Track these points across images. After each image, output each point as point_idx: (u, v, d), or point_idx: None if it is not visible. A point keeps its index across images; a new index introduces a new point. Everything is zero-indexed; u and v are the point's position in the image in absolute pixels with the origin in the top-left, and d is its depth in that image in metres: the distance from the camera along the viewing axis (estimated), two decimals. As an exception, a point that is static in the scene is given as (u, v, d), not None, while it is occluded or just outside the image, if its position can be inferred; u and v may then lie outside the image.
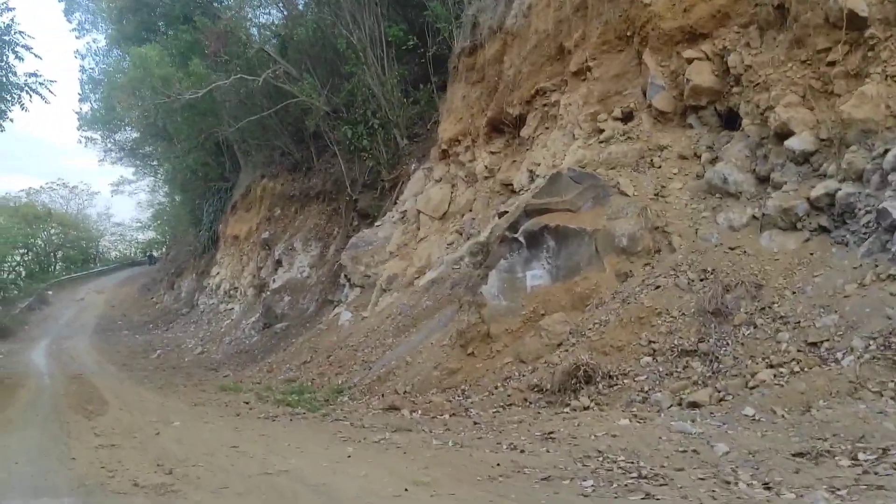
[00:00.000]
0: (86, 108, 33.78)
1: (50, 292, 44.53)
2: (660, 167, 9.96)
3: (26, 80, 15.62)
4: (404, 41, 20.49)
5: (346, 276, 18.86)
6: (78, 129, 34.61)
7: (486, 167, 14.45)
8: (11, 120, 16.23)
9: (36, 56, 15.52)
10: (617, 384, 7.17)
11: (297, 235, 24.17)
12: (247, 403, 10.50)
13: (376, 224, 19.17)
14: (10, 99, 15.59)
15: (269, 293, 23.22)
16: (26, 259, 50.10)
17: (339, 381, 11.58)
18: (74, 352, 26.12)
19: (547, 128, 12.99)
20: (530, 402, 7.63)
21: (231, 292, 28.88)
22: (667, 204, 9.41)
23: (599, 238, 9.25)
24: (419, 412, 8.19)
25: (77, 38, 41.19)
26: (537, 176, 12.15)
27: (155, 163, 49.48)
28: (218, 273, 31.11)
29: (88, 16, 30.50)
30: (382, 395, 9.51)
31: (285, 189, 26.73)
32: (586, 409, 6.98)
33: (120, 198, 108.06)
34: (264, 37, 24.28)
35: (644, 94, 10.96)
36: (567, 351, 8.17)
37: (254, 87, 24.10)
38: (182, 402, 11.56)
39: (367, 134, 20.90)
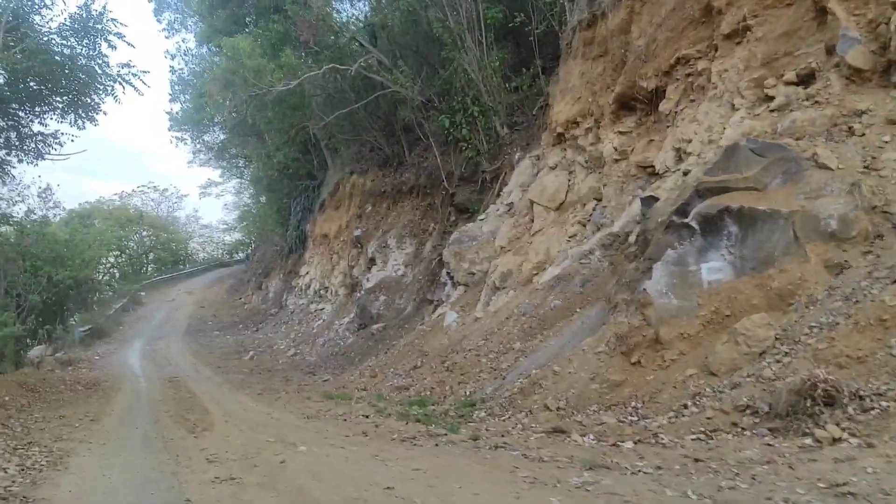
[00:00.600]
0: (176, 107, 33.69)
1: (143, 293, 44.90)
2: (863, 135, 8.02)
3: (119, 71, 14.75)
4: (505, 22, 18.92)
5: (448, 273, 17.40)
6: (169, 130, 34.48)
7: (616, 149, 12.68)
8: (105, 113, 15.40)
9: (129, 44, 14.65)
10: (873, 407, 5.36)
11: (391, 232, 22.88)
12: (366, 417, 9.11)
13: (479, 218, 17.63)
14: (103, 90, 14.76)
15: (362, 293, 22.03)
16: (120, 261, 50.87)
17: (465, 392, 10.07)
18: (168, 353, 25.59)
19: (693, 100, 11.15)
20: (744, 429, 5.89)
21: (321, 292, 27.92)
22: (881, 178, 7.49)
23: (798, 221, 7.41)
24: (591, 436, 6.57)
25: (166, 37, 41.23)
26: (688, 154, 10.34)
27: (241, 164, 49.56)
28: (307, 273, 30.23)
29: (178, 15, 30.28)
30: (531, 412, 7.93)
31: (376, 185, 25.52)
32: (837, 441, 5.21)
33: (207, 200, 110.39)
34: (354, 26, 23.10)
35: (827, 51, 9.01)
36: (780, 362, 6.39)
37: (343, 81, 23.03)
38: (290, 414, 10.28)
39: (467, 123, 19.39)
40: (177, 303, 43.85)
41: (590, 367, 8.04)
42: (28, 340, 28.27)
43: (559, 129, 15.09)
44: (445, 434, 7.20)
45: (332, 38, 21.05)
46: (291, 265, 37.29)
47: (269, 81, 19.39)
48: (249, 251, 59.77)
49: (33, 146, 16.26)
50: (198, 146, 36.78)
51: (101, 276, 46.94)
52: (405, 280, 21.47)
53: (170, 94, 33.22)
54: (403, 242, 22.21)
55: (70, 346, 28.04)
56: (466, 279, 16.77)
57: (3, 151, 16.23)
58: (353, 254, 25.21)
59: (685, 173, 9.99)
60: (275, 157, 25.20)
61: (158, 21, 32.61)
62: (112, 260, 49.41)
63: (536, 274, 13.37)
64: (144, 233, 53.37)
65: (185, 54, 32.07)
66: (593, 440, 6.46)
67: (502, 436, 7.00)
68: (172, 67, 32.64)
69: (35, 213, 29.49)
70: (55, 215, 29.90)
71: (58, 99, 15.12)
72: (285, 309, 32.84)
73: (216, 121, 29.65)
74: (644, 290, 8.06)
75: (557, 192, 14.60)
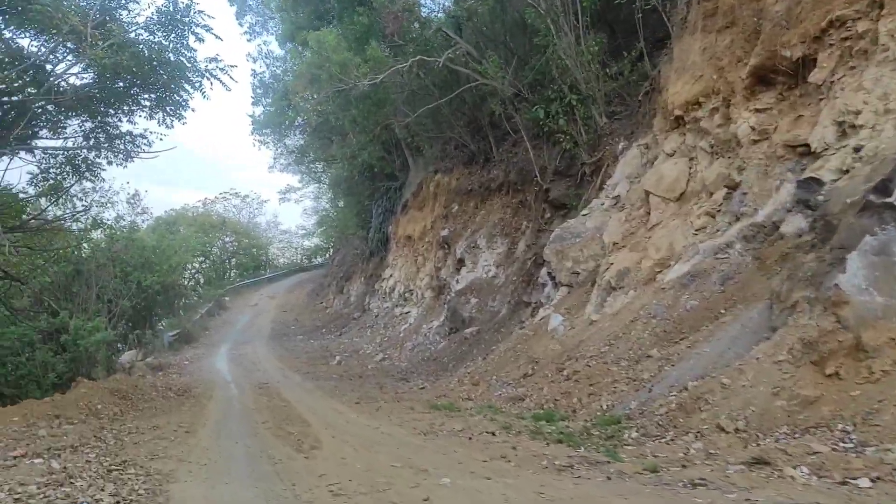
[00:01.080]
0: (258, 111, 33.46)
1: (227, 298, 45.16)
2: None
3: (206, 66, 14.04)
4: (603, 4, 17.51)
5: (549, 273, 16.07)
6: (251, 133, 34.41)
7: (754, 129, 11.10)
8: (193, 109, 14.75)
9: (216, 37, 13.95)
10: None
11: (480, 232, 21.69)
12: (492, 435, 7.88)
13: (582, 213, 16.23)
14: (191, 85, 14.07)
15: (453, 295, 20.91)
16: (204, 266, 51.48)
17: (601, 406, 8.73)
18: (255, 357, 25.09)
19: (853, 67, 9.51)
20: None
21: (406, 295, 26.97)
22: None
23: None
24: (805, 469, 5.16)
25: (248, 41, 41.05)
26: (857, 127, 8.73)
27: (320, 168, 49.42)
28: (391, 275, 29.36)
29: (259, 18, 29.98)
30: (701, 433, 6.55)
31: (461, 183, 24.39)
32: None
33: (287, 206, 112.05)
34: (439, 18, 22.06)
35: None
36: None
37: (427, 77, 22.03)
38: (399, 428, 9.16)
39: (564, 113, 18.03)
40: (259, 307, 43.90)
41: (770, 380, 6.60)
42: (119, 345, 28.38)
43: (676, 113, 13.56)
44: (608, 462, 5.91)
45: (418, 29, 20.04)
46: (373, 268, 36.61)
47: (354, 76, 18.50)
48: (328, 256, 59.92)
49: (122, 147, 15.76)
50: (279, 150, 36.58)
51: (186, 282, 47.63)
52: (497, 281, 20.24)
53: (252, 98, 33.10)
54: (494, 242, 20.99)
55: (159, 351, 27.97)
56: (570, 279, 15.41)
57: (93, 153, 15.78)
58: (440, 255, 24.14)
59: (856, 149, 8.42)
60: (359, 157, 24.38)
61: (240, 24, 32.55)
62: (197, 265, 50.02)
63: (660, 272, 11.90)
64: (227, 238, 53.93)
65: (266, 57, 31.88)
66: (809, 475, 5.05)
67: (684, 466, 5.65)
68: (254, 71, 32.42)
69: (124, 219, 29.54)
70: (143, 221, 29.96)
71: (146, 96, 14.55)
72: (368, 313, 32.11)
73: (298, 123, 29.17)
74: (835, 285, 6.58)
75: (677, 182, 13.08)
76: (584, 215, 16.02)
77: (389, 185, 31.89)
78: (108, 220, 29.25)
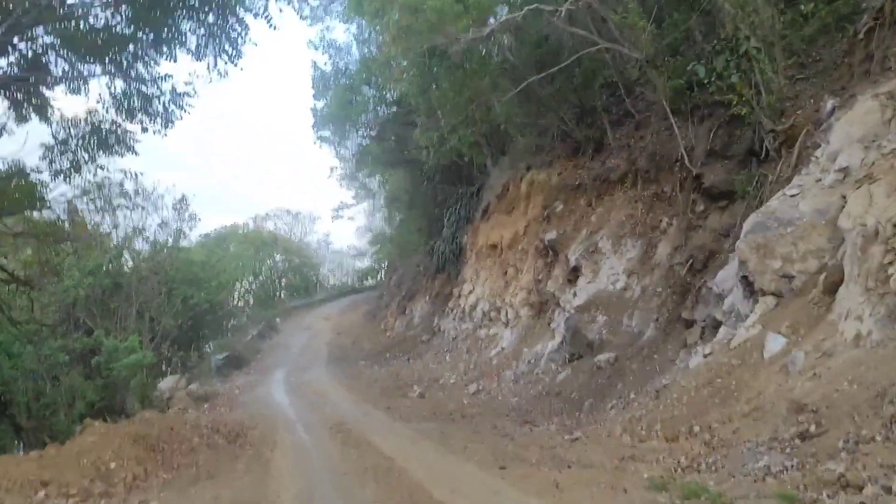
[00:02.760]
0: (320, 104, 29.32)
1: (278, 319, 40.99)
2: None
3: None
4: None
5: (745, 277, 11.16)
6: (312, 128, 30.12)
7: None
8: (255, 43, 10.33)
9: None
10: None
11: (600, 234, 16.93)
12: None
13: (789, 193, 11.35)
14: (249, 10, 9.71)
15: (571, 312, 16.10)
16: (254, 286, 47.52)
17: None
18: (318, 386, 20.57)
19: None
20: None
21: (491, 314, 22.22)
22: None
23: None
24: None
25: (309, 24, 36.58)
26: None
27: (376, 183, 45.32)
28: (469, 292, 24.66)
29: (321, 1, 26.05)
30: None
31: (565, 178, 19.70)
32: None
33: (339, 224, 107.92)
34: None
35: None
36: None
37: (522, 51, 17.57)
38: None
39: (737, 66, 13.26)
40: (313, 329, 39.56)
41: None
42: (163, 367, 24.14)
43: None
44: None
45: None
46: (440, 286, 31.97)
47: (454, 30, 14.04)
48: (380, 277, 55.77)
49: (161, 109, 11.47)
50: (340, 151, 32.35)
51: (236, 301, 43.73)
52: (630, 294, 15.39)
53: (313, 91, 28.98)
54: (622, 245, 16.18)
55: (206, 377, 23.65)
56: (778, 285, 10.52)
57: (124, 115, 11.51)
58: (541, 264, 19.40)
59: None
60: (449, 141, 19.84)
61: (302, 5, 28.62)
62: (247, 284, 46.09)
63: None
64: (277, 257, 49.97)
65: (328, 47, 27.72)
66: None
67: None
68: (315, 63, 28.42)
69: (169, 226, 25.48)
70: (190, 228, 25.89)
71: (190, 27, 10.24)
72: (440, 335, 27.41)
73: (365, 117, 25.05)
74: None
75: None
76: (792, 196, 11.13)
77: (466, 191, 27.32)
78: (150, 226, 25.13)
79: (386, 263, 52.36)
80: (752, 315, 10.82)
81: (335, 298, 51.64)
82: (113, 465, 8.19)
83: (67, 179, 12.65)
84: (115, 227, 24.37)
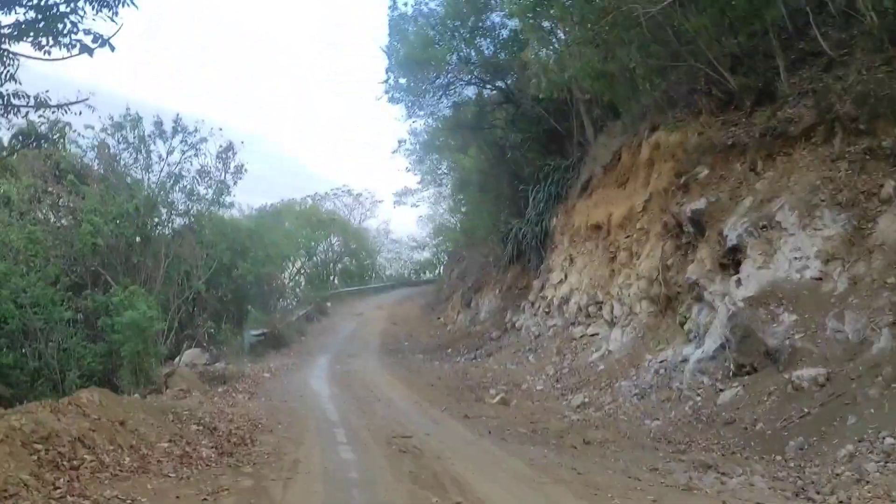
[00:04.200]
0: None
1: (328, 304, 36.73)
2: None
3: None
4: None
5: None
6: (386, 74, 25.44)
7: None
8: None
9: None
10: None
11: (776, 203, 11.82)
12: None
13: None
14: None
15: (736, 308, 11.01)
16: (306, 267, 43.39)
17: None
18: (368, 378, 15.99)
19: None
20: None
21: (590, 309, 17.29)
22: None
23: None
24: None
25: None
26: None
27: (444, 168, 40.80)
28: (560, 282, 19.73)
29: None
30: None
31: (711, 138, 14.64)
32: None
33: (400, 212, 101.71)
34: None
35: None
36: None
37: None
38: None
39: None
40: (365, 317, 35.18)
41: None
42: (186, 339, 19.86)
43: None
44: None
45: None
46: (513, 278, 27.13)
47: None
48: (439, 272, 51.30)
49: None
50: (413, 111, 27.62)
51: (287, 281, 39.71)
52: (829, 286, 10.29)
53: (388, 34, 24.41)
54: (814, 218, 11.06)
55: (236, 355, 19.32)
56: None
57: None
58: (671, 246, 14.37)
59: None
60: (568, 68, 14.91)
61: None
62: (299, 265, 41.99)
63: None
64: (334, 239, 45.78)
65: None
66: None
67: None
68: (393, 2, 23.77)
69: (211, 175, 21.27)
70: (235, 181, 21.61)
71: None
72: (514, 332, 22.61)
73: (451, 60, 20.36)
74: None
75: None
76: None
77: (558, 164, 22.36)
78: (187, 174, 20.95)
79: (447, 255, 47.83)
80: None
81: (390, 289, 47.31)
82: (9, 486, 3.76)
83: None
84: (148, 169, 20.25)
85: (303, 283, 41.77)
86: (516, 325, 23.13)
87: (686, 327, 12.86)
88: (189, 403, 9.70)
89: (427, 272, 54.88)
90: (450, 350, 24.53)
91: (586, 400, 12.52)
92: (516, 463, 7.13)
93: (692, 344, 12.30)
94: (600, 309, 17.01)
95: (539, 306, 20.85)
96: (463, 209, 38.98)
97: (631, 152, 17.78)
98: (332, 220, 44.40)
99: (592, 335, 16.61)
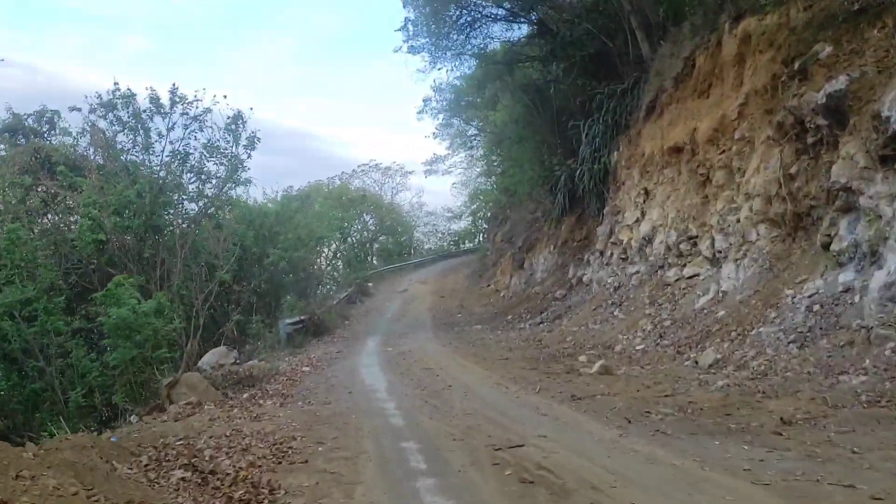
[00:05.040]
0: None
1: (370, 284, 33.98)
2: None
3: None
4: None
5: None
6: (402, 28, 22.18)
7: None
8: None
9: None
10: None
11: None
12: None
13: None
14: None
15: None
16: (342, 249, 40.65)
17: None
18: (429, 359, 13.10)
19: None
20: None
21: (682, 247, 14.06)
22: None
23: None
24: None
25: None
26: None
27: (475, 128, 37.53)
28: (636, 222, 16.49)
29: None
30: None
31: (825, 7, 11.22)
32: None
33: (433, 181, 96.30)
34: None
35: None
36: None
37: None
38: None
39: None
40: (410, 293, 32.37)
41: None
42: (211, 336, 17.16)
43: None
44: None
45: None
46: (568, 231, 24.00)
47: None
48: (480, 239, 48.25)
49: None
50: (436, 62, 24.36)
51: (324, 266, 37.07)
52: None
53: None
54: None
55: (271, 349, 16.61)
56: None
57: None
58: (790, 151, 11.03)
59: None
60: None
61: None
62: (335, 247, 39.29)
63: None
64: (367, 218, 42.93)
65: None
66: None
67: None
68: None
69: (220, 150, 18.44)
70: (249, 154, 18.77)
71: None
72: (583, 288, 19.57)
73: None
74: None
75: None
76: None
77: (612, 90, 18.91)
78: (193, 151, 18.15)
79: (486, 221, 44.68)
80: None
81: (431, 262, 44.44)
82: None
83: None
84: (148, 149, 17.46)
85: (340, 267, 39.15)
86: (583, 279, 20.05)
87: (833, 248, 9.60)
88: (194, 424, 6.89)
89: (467, 242, 51.95)
90: (510, 317, 21.58)
91: (718, 357, 9.39)
92: (727, 481, 4.14)
93: (850, 268, 9.07)
94: (695, 245, 13.79)
95: (612, 254, 17.68)
96: (500, 168, 35.81)
97: (709, 54, 14.38)
98: (362, 196, 41.53)
99: (691, 277, 13.41)
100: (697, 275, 13.31)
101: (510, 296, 26.41)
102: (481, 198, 42.67)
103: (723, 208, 12.91)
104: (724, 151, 13.14)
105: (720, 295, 11.82)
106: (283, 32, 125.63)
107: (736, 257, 11.95)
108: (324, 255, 37.27)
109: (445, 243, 52.74)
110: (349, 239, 41.51)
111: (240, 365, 13.62)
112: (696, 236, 13.76)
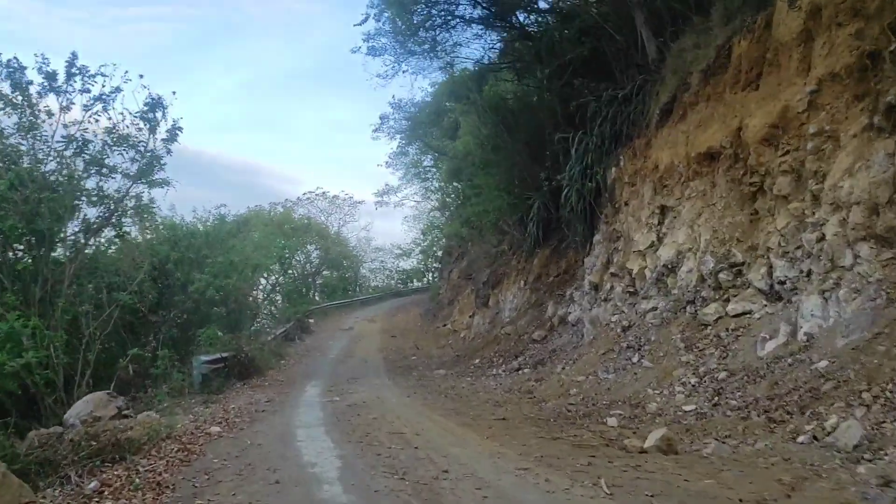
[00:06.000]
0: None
1: (311, 320, 29.69)
2: None
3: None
4: None
5: None
6: (365, 42, 18.70)
7: None
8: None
9: None
10: None
11: None
12: None
13: None
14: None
15: None
16: (282, 281, 36.17)
17: None
18: (392, 418, 9.14)
19: None
20: None
21: (722, 277, 10.66)
22: None
23: None
24: None
25: None
26: None
27: (430, 161, 34.31)
28: (651, 247, 13.09)
29: None
30: None
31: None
32: None
33: (383, 214, 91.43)
34: None
35: None
36: None
37: None
38: None
39: None
40: (357, 332, 28.24)
41: None
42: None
43: None
44: None
45: None
46: (541, 264, 20.68)
47: None
48: (430, 278, 44.89)
49: None
50: (402, 59, 20.78)
51: (261, 299, 32.62)
52: None
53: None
54: None
55: (179, 393, 12.32)
56: None
57: None
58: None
59: None
60: None
61: None
62: (273, 279, 34.84)
63: None
64: (311, 248, 38.70)
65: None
66: None
67: None
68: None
69: (130, 141, 14.30)
70: (168, 149, 14.67)
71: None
72: (567, 329, 16.18)
73: None
74: None
75: None
76: None
77: (611, 95, 15.74)
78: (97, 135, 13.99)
79: (439, 258, 41.14)
80: None
81: (378, 300, 40.52)
82: None
83: None
84: (32, 130, 13.10)
85: (279, 301, 34.67)
86: (567, 319, 16.62)
87: None
88: None
89: (415, 280, 48.32)
90: (477, 361, 17.87)
91: (863, 432, 5.84)
92: None
93: None
94: (740, 274, 10.44)
95: (612, 287, 14.22)
96: (458, 200, 32.48)
97: (755, 37, 11.32)
98: (306, 224, 37.33)
99: (739, 315, 10.00)
100: (749, 312, 9.92)
101: (473, 337, 22.70)
102: (436, 231, 39.14)
103: (786, 225, 9.61)
104: (787, 152, 9.93)
105: (803, 338, 8.39)
106: (231, 66, 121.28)
107: (822, 288, 8.58)
108: (261, 286, 32.89)
109: (393, 281, 48.86)
110: (290, 271, 37.10)
111: (129, 417, 9.45)
112: (743, 263, 10.42)
